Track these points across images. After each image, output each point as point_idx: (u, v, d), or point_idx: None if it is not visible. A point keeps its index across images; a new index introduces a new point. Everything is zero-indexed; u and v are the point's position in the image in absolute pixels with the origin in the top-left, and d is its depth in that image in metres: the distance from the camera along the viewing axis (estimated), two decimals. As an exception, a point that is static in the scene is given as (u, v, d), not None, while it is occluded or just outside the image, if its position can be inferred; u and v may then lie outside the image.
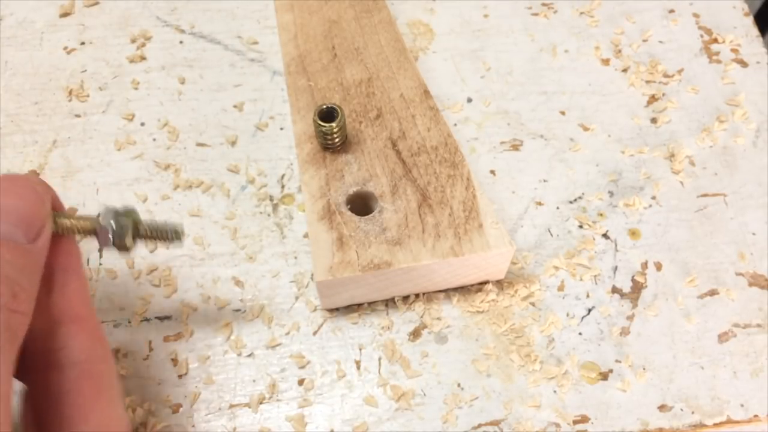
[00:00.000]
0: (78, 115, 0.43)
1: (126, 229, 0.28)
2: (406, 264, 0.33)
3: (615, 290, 0.38)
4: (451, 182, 0.36)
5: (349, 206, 0.36)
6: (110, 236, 0.28)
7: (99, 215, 0.28)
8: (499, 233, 0.34)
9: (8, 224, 0.23)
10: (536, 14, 0.48)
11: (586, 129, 0.43)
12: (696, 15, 0.48)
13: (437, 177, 0.37)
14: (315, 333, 0.36)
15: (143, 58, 0.45)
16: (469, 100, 0.44)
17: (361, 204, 0.36)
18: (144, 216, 0.39)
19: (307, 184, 0.36)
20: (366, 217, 0.35)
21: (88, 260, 0.38)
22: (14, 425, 0.26)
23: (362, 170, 0.37)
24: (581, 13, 0.48)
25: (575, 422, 0.34)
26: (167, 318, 0.37)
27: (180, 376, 0.35)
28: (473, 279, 0.36)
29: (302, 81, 0.41)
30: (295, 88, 0.41)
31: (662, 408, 0.35)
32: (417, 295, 0.37)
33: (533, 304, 0.37)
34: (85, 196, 0.40)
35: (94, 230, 0.28)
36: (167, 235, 0.30)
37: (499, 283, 0.37)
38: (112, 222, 0.28)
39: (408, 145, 0.38)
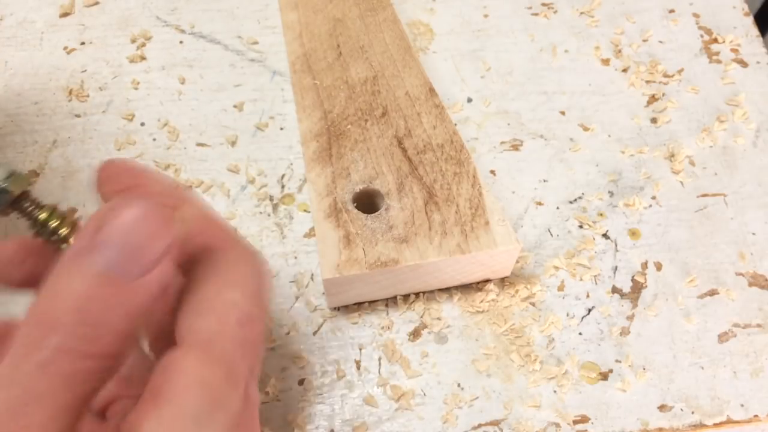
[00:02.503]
0: (78, 115, 0.43)
1: (5, 199, 0.26)
2: (413, 261, 0.33)
3: (615, 290, 0.38)
4: (457, 180, 0.36)
5: (355, 204, 0.36)
6: None
7: None
8: (505, 231, 0.34)
9: (111, 252, 0.19)
10: (536, 14, 0.48)
11: (586, 129, 0.43)
12: (696, 15, 0.48)
13: (443, 174, 0.37)
14: (315, 333, 0.36)
15: (143, 58, 0.45)
16: (469, 100, 0.44)
17: (368, 202, 0.36)
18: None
19: (313, 182, 0.36)
20: (372, 215, 0.35)
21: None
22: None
23: (368, 168, 0.37)
24: (581, 13, 0.48)
25: (575, 422, 0.34)
26: (167, 318, 0.37)
27: (180, 376, 0.35)
28: (479, 276, 0.36)
29: (307, 79, 0.41)
30: (300, 87, 0.41)
31: (662, 408, 0.35)
32: (417, 295, 0.37)
33: (533, 304, 0.37)
34: (85, 196, 0.40)
35: None
36: (46, 231, 0.26)
37: (499, 283, 0.37)
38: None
39: (414, 143, 0.38)
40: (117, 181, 0.24)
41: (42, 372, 0.18)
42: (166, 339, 0.24)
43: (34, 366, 0.18)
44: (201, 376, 0.20)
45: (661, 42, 0.47)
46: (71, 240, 0.27)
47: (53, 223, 0.27)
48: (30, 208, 0.27)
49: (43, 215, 0.27)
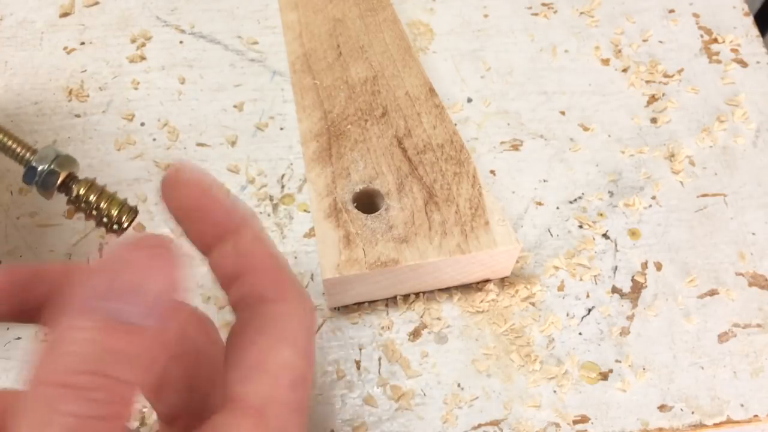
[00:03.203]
0: (78, 115, 0.43)
1: (53, 179, 0.26)
2: (413, 261, 0.33)
3: (615, 290, 0.38)
4: (457, 180, 0.36)
5: (355, 204, 0.36)
6: (36, 179, 0.26)
7: (33, 151, 0.26)
8: (505, 231, 0.34)
9: (125, 298, 0.17)
10: (536, 14, 0.48)
11: (586, 129, 0.43)
12: (696, 15, 0.48)
13: (443, 174, 0.37)
14: (315, 333, 0.36)
15: (143, 58, 0.45)
16: (469, 100, 0.44)
17: (368, 202, 0.36)
18: (143, 218, 0.39)
19: (313, 182, 0.36)
20: (372, 215, 0.35)
21: (88, 260, 0.38)
22: None
23: (368, 168, 0.37)
24: (581, 13, 0.48)
25: (575, 422, 0.34)
26: (167, 318, 0.36)
27: (180, 376, 0.35)
28: (479, 276, 0.36)
29: (307, 79, 0.41)
30: (300, 87, 0.41)
31: (662, 408, 0.35)
32: (417, 295, 0.37)
33: (533, 304, 0.37)
34: (85, 196, 0.40)
35: (24, 160, 0.27)
36: (105, 213, 0.26)
37: (499, 283, 0.37)
38: (46, 167, 0.26)
39: (414, 143, 0.38)
40: (181, 196, 0.22)
41: None
42: (168, 387, 0.23)
43: None
44: None
45: (661, 42, 0.47)
46: (114, 215, 0.27)
47: (95, 200, 0.27)
48: (77, 189, 0.27)
49: (82, 191, 0.27)
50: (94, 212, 0.27)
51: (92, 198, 0.27)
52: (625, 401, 0.35)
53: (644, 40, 0.47)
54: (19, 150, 0.27)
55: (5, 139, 0.27)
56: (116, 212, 0.27)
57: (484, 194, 0.36)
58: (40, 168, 0.27)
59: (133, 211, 0.28)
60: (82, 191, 0.27)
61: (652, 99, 0.44)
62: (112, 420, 0.16)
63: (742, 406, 0.35)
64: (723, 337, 0.36)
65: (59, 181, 0.27)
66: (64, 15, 0.47)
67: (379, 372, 0.35)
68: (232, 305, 0.23)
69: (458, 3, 0.49)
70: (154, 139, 0.42)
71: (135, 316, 0.17)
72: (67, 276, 0.23)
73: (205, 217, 0.22)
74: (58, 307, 0.17)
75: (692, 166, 0.42)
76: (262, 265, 0.23)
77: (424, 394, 0.35)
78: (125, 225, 0.28)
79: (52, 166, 0.27)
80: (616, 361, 0.36)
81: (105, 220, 0.27)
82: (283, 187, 0.41)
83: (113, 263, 0.18)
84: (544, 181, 0.41)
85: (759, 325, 0.37)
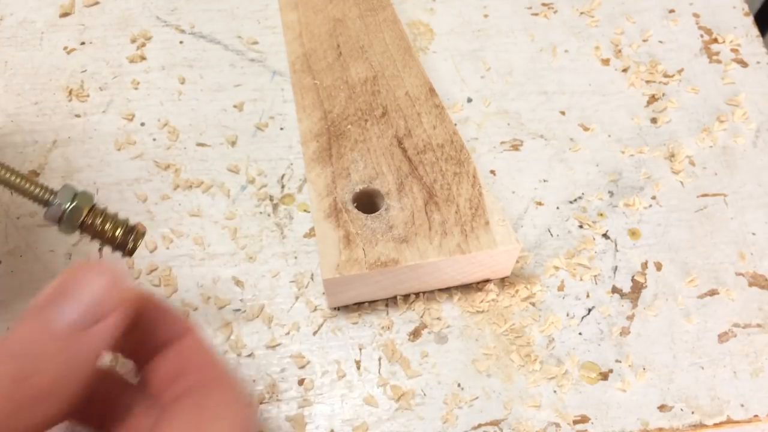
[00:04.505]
0: (78, 115, 0.43)
1: (78, 215, 0.27)
2: (413, 261, 0.33)
3: (615, 290, 0.38)
4: (457, 180, 0.36)
5: (355, 204, 0.36)
6: (59, 217, 0.27)
7: (51, 191, 0.27)
8: (505, 231, 0.34)
9: (69, 307, 0.23)
10: (536, 14, 0.48)
11: (586, 129, 0.43)
12: (696, 15, 0.48)
13: (443, 174, 0.37)
14: (315, 333, 0.36)
15: (143, 58, 0.45)
16: (469, 100, 0.44)
17: (368, 202, 0.36)
18: (143, 218, 0.39)
19: (313, 182, 0.36)
20: (373, 215, 0.35)
21: (87, 259, 0.38)
22: None
23: (368, 168, 0.37)
24: (581, 13, 0.48)
25: (575, 422, 0.34)
26: (167, 318, 0.36)
27: (180, 376, 0.35)
28: (479, 276, 0.36)
29: (307, 79, 0.41)
30: (300, 87, 0.41)
31: (662, 408, 0.35)
32: (417, 295, 0.37)
33: (533, 304, 0.37)
34: (85, 196, 0.40)
35: (45, 201, 0.27)
36: (116, 239, 0.29)
37: (499, 283, 0.37)
38: (68, 205, 0.27)
39: (414, 143, 0.38)
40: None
41: None
42: None
43: None
44: None
45: (661, 42, 0.47)
46: (119, 237, 0.28)
47: (112, 233, 0.28)
48: (97, 226, 0.28)
49: (107, 227, 0.28)
50: (99, 235, 0.29)
51: (98, 221, 0.29)
52: (625, 401, 0.35)
53: (644, 40, 0.47)
54: (37, 191, 0.28)
55: (22, 182, 0.28)
56: (121, 234, 0.29)
57: (484, 194, 0.36)
58: (64, 207, 0.28)
59: (141, 233, 0.29)
60: (90, 220, 0.28)
61: (652, 99, 0.44)
62: (26, 390, 0.21)
63: (742, 406, 0.35)
64: (723, 337, 0.36)
65: (81, 219, 0.28)
66: (64, 15, 0.47)
67: (379, 372, 0.35)
68: (166, 402, 0.25)
69: (458, 3, 0.49)
70: (154, 139, 0.42)
71: (74, 317, 0.23)
72: None
73: (150, 328, 0.26)
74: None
75: (692, 166, 0.42)
76: (203, 363, 0.26)
77: (424, 394, 0.35)
78: (129, 246, 0.29)
79: (74, 204, 0.28)
80: (616, 361, 0.36)
81: (111, 241, 0.29)
82: (283, 187, 0.41)
83: (60, 282, 0.23)
84: (544, 181, 0.41)
85: (759, 325, 0.37)
